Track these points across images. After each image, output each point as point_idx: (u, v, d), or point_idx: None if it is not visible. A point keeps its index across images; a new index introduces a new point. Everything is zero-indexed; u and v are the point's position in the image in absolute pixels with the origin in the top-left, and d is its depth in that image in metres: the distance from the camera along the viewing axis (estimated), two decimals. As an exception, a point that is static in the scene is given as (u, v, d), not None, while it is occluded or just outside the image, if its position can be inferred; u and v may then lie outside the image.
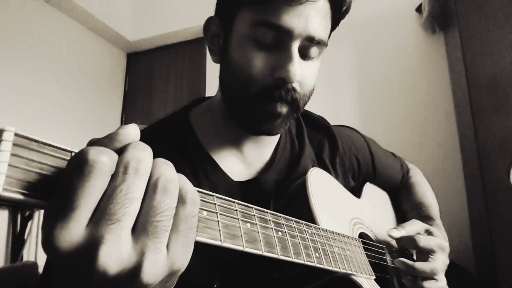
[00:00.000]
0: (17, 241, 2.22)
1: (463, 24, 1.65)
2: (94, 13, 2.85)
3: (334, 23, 0.60)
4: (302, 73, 0.56)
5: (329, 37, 0.62)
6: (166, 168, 0.28)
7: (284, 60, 0.53)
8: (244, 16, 0.55)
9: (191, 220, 0.29)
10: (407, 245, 0.67)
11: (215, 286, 0.54)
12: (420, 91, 2.14)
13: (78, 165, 0.24)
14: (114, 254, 0.24)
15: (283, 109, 0.57)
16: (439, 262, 0.65)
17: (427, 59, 2.16)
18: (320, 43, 0.56)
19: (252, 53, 0.55)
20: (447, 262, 0.68)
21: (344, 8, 0.58)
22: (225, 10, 0.60)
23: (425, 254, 0.66)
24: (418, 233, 0.69)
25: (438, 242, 0.67)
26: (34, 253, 2.28)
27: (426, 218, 0.83)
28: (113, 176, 0.25)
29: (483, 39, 1.57)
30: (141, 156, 0.27)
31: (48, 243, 0.24)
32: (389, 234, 0.65)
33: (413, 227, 0.69)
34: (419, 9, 2.16)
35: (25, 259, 2.24)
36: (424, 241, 0.65)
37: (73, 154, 0.26)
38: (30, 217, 2.28)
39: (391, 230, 0.66)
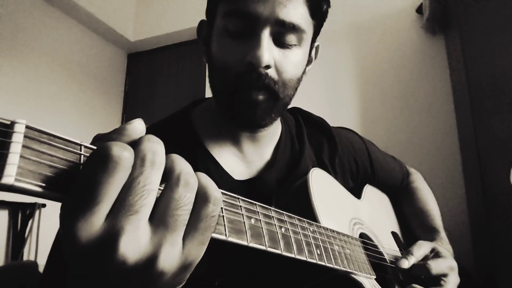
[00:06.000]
0: (17, 239, 2.22)
1: (463, 25, 1.65)
2: (95, 14, 2.86)
3: (315, 11, 0.59)
4: (274, 58, 0.55)
5: (316, 28, 0.62)
6: (184, 163, 0.29)
7: (252, 46, 0.54)
8: (220, 11, 0.57)
9: (211, 219, 0.29)
10: (420, 273, 0.67)
11: (216, 284, 0.54)
12: (421, 92, 2.15)
13: (102, 160, 0.24)
14: (133, 244, 0.25)
15: (259, 96, 0.56)
16: (452, 285, 0.66)
17: (427, 60, 2.16)
18: (295, 28, 0.55)
19: (226, 43, 0.56)
20: (458, 281, 0.69)
21: None
22: (209, 11, 0.62)
23: (437, 277, 0.67)
24: (427, 256, 0.69)
25: (448, 264, 0.68)
26: (35, 251, 2.28)
27: (431, 229, 0.83)
28: (131, 169, 0.26)
29: (483, 40, 1.57)
30: (156, 148, 0.27)
31: (70, 235, 0.24)
32: (399, 266, 0.65)
33: (420, 251, 0.69)
34: (419, 10, 2.16)
35: (25, 258, 2.24)
36: (436, 268, 0.66)
37: (82, 147, 0.26)
38: (31, 216, 2.28)
39: (400, 262, 0.65)
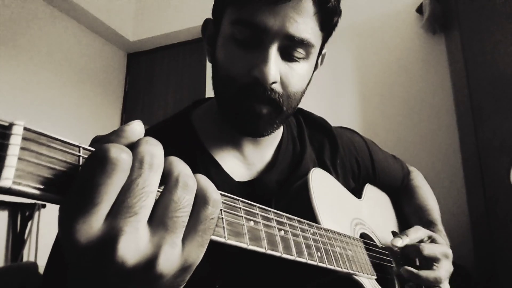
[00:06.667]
0: (17, 241, 2.22)
1: (463, 25, 1.65)
2: (94, 13, 2.86)
3: (325, 24, 0.58)
4: (280, 72, 0.55)
5: (325, 39, 0.61)
6: (183, 165, 0.29)
7: (260, 60, 0.53)
8: (227, 16, 0.56)
9: (210, 221, 0.29)
10: (411, 254, 0.67)
11: (217, 287, 0.54)
12: (421, 91, 2.15)
13: (101, 162, 0.24)
14: (132, 246, 0.25)
15: (263, 110, 0.56)
16: (443, 271, 0.66)
17: (427, 59, 2.16)
18: (304, 43, 0.54)
19: (232, 52, 0.55)
20: (451, 269, 0.69)
21: (329, 5, 0.56)
22: (216, 11, 0.61)
23: (429, 262, 0.66)
24: (422, 240, 0.69)
25: (442, 250, 0.68)
26: (34, 253, 2.28)
27: (428, 223, 0.83)
28: (129, 171, 0.26)
29: (483, 40, 1.57)
30: (154, 150, 0.27)
31: (69, 237, 0.24)
32: (392, 243, 0.65)
33: (416, 234, 0.69)
34: (419, 10, 2.16)
35: (25, 259, 2.24)
36: (428, 249, 0.66)
37: (81, 149, 0.26)
38: (30, 217, 2.28)
39: (394, 240, 0.66)
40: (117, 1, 3.13)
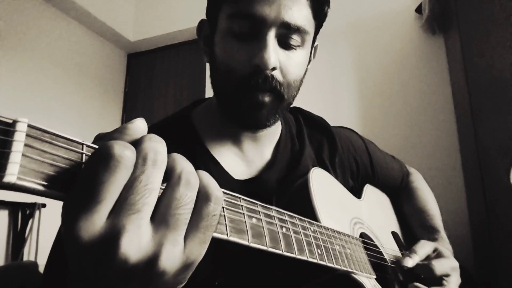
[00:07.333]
0: (17, 239, 2.22)
1: (463, 25, 1.65)
2: (95, 14, 2.86)
3: (317, 13, 0.60)
4: (279, 60, 0.56)
5: (317, 28, 0.63)
6: (186, 162, 0.29)
7: (258, 48, 0.54)
8: (224, 12, 0.57)
9: (212, 218, 0.29)
10: (423, 273, 0.67)
11: (217, 283, 0.54)
12: (420, 91, 2.15)
13: (104, 159, 0.24)
14: (135, 243, 0.25)
15: (265, 98, 0.57)
16: (453, 285, 0.66)
17: (427, 60, 2.17)
18: (299, 30, 0.56)
19: (231, 46, 0.56)
20: (460, 281, 0.69)
21: None
22: (210, 10, 0.62)
23: (439, 277, 0.67)
24: (429, 255, 0.70)
25: (451, 265, 0.68)
26: (35, 252, 2.28)
27: (430, 228, 0.83)
28: (133, 168, 0.26)
29: (483, 41, 1.57)
30: (158, 147, 0.27)
31: (71, 234, 0.24)
32: (403, 264, 0.65)
33: (424, 250, 0.69)
34: (419, 10, 2.16)
35: (25, 258, 2.24)
36: (439, 268, 0.66)
37: (84, 146, 0.26)
38: (31, 216, 2.28)
39: (404, 260, 0.65)
40: (117, 1, 3.14)
